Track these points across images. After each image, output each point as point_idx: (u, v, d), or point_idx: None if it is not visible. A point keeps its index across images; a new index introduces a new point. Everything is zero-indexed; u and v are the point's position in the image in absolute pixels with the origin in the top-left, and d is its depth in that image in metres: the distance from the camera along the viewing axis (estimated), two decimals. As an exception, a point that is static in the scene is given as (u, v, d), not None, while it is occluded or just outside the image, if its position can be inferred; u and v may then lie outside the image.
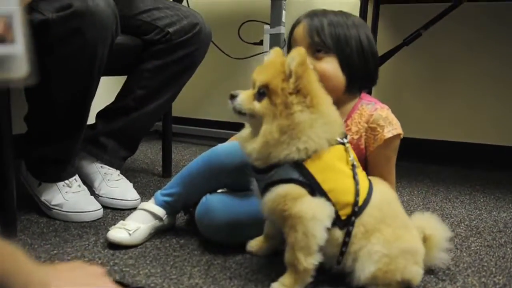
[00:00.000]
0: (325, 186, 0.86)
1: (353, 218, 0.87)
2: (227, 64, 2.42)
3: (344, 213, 0.88)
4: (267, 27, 2.06)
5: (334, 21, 1.01)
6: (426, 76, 2.23)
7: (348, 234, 0.88)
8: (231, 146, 1.10)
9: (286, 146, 0.85)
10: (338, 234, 0.88)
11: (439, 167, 2.09)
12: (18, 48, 0.40)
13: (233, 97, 0.90)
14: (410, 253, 0.90)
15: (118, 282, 0.89)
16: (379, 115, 1.04)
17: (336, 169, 0.89)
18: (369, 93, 2.10)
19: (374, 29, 2.10)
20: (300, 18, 1.06)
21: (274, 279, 0.92)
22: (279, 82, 0.86)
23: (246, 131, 0.94)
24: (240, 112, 0.90)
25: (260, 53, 2.12)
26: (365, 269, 0.88)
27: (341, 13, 1.05)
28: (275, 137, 0.85)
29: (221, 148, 1.12)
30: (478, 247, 1.18)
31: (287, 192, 0.86)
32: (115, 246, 1.07)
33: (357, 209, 0.87)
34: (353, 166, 0.90)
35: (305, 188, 0.86)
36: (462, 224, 1.35)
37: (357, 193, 0.88)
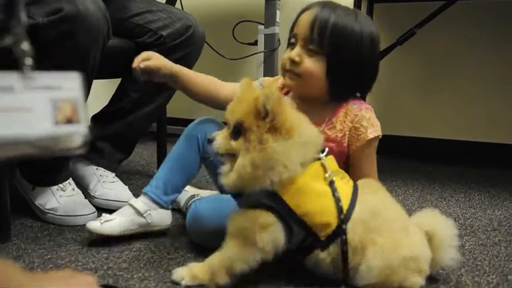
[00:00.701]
0: (299, 210, 0.86)
1: (343, 236, 0.86)
2: (222, 65, 2.41)
3: (324, 234, 0.88)
4: (261, 27, 2.06)
5: (340, 24, 0.99)
6: (421, 75, 2.24)
7: (343, 253, 0.87)
8: (202, 118, 1.18)
9: (261, 180, 0.85)
10: (322, 255, 0.89)
11: (435, 165, 2.10)
12: (81, 127, 0.49)
13: (210, 141, 0.92)
14: (412, 260, 0.87)
15: (110, 287, 0.89)
16: (363, 116, 1.05)
17: (311, 191, 0.88)
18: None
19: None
20: (313, 5, 1.04)
21: (267, 280, 0.92)
22: (253, 120, 0.86)
23: (226, 166, 0.93)
24: (219, 154, 0.92)
25: (255, 54, 2.12)
26: (364, 280, 0.87)
27: (352, 12, 1.03)
28: (248, 171, 0.85)
29: (193, 122, 1.18)
30: (472, 246, 1.18)
31: (257, 218, 0.87)
32: (108, 251, 1.07)
33: (345, 226, 0.86)
34: (331, 182, 0.89)
35: (276, 214, 0.87)
36: (457, 223, 1.36)
37: (340, 210, 0.87)
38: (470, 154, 2.18)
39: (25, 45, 0.51)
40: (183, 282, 0.91)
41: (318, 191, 0.88)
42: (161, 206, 1.15)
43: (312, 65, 1.01)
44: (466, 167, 2.07)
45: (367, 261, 0.86)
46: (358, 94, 1.10)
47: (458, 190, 1.71)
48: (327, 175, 0.90)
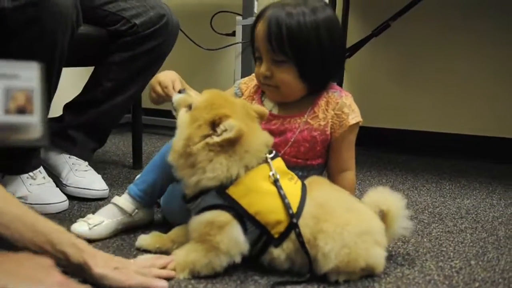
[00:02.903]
0: (251, 209, 0.88)
1: (297, 229, 0.87)
2: (199, 55, 2.41)
3: (276, 231, 0.89)
4: (239, 18, 2.05)
5: (294, 25, 0.99)
6: (397, 67, 2.26)
7: (302, 245, 0.88)
8: None
9: (193, 172, 0.90)
10: (277, 252, 0.90)
11: (410, 156, 2.13)
12: (35, 119, 0.48)
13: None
14: (366, 234, 0.90)
15: None
16: (344, 103, 1.08)
17: (260, 190, 0.90)
18: (339, 84, 2.12)
19: (345, 20, 2.12)
20: (261, 13, 1.05)
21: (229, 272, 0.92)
22: (202, 135, 0.89)
23: None
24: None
25: (233, 44, 2.12)
26: (325, 267, 0.88)
27: (302, 3, 1.02)
28: (180, 146, 0.91)
29: None
30: (439, 233, 1.21)
31: (214, 219, 0.88)
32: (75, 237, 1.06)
33: (296, 220, 0.88)
34: (276, 181, 0.90)
35: (230, 213, 0.88)
36: (426, 211, 1.39)
37: (288, 206, 0.88)
38: (444, 145, 2.22)
39: None
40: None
41: (265, 190, 0.90)
42: (146, 207, 1.14)
43: (283, 75, 1.03)
44: (440, 158, 2.11)
45: (321, 249, 0.87)
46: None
47: (430, 180, 1.75)
48: (271, 173, 0.91)
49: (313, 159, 1.10)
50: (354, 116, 1.08)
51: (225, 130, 0.87)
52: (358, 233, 0.89)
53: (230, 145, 0.88)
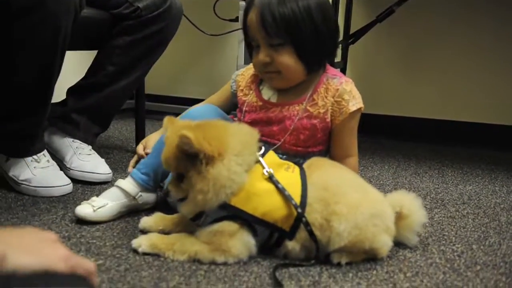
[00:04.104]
0: (257, 213, 0.88)
1: (303, 219, 0.88)
2: (203, 41, 2.40)
3: (287, 225, 0.89)
4: (242, 3, 2.04)
5: (287, 10, 0.99)
6: (400, 54, 2.25)
7: (311, 234, 0.88)
8: (204, 107, 1.14)
9: (215, 199, 0.87)
10: (292, 244, 0.90)
11: (413, 143, 2.13)
12: None
13: (167, 194, 0.95)
14: (376, 217, 0.90)
15: None
16: (344, 89, 1.07)
17: (261, 192, 0.89)
18: (343, 70, 2.11)
19: (349, 5, 2.10)
20: (250, 2, 1.04)
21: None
22: (186, 163, 0.87)
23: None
24: (178, 200, 0.94)
25: (236, 30, 2.11)
26: (336, 245, 0.89)
27: None
28: (200, 199, 0.87)
29: (193, 109, 1.14)
30: (441, 218, 1.21)
31: (223, 229, 0.89)
32: (82, 221, 1.07)
33: (301, 210, 0.88)
34: (270, 177, 0.90)
35: (238, 221, 0.88)
36: (428, 196, 1.39)
37: (289, 198, 0.88)
38: (446, 132, 2.22)
39: None
40: (140, 249, 0.93)
41: (266, 189, 0.90)
42: (150, 191, 1.14)
43: (283, 58, 1.03)
44: (442, 145, 2.11)
45: (335, 230, 0.88)
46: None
47: (433, 166, 1.75)
48: (264, 171, 0.91)
49: (314, 146, 1.10)
50: (354, 103, 1.07)
51: (188, 147, 0.85)
52: (370, 215, 0.89)
53: (210, 151, 0.85)
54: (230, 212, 0.88)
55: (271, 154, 0.97)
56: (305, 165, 0.98)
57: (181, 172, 0.90)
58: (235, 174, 0.87)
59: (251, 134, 0.95)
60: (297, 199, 0.89)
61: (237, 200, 0.88)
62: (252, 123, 1.10)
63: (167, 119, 0.96)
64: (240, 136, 0.92)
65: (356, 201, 0.90)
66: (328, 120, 1.07)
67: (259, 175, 0.91)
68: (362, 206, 0.89)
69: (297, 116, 1.06)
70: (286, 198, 0.88)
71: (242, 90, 1.16)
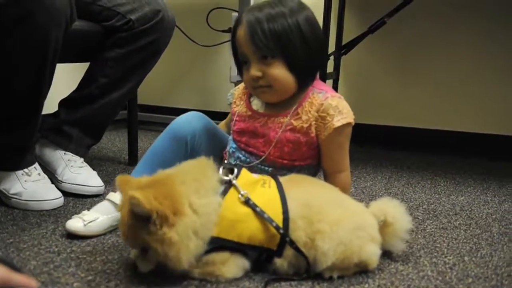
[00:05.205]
0: (243, 239, 0.88)
1: (287, 238, 0.88)
2: (195, 52, 2.41)
3: (273, 244, 0.89)
4: (235, 14, 2.06)
5: (276, 24, 0.99)
6: (393, 64, 2.26)
7: (297, 250, 0.88)
8: (190, 115, 1.15)
9: (196, 243, 0.84)
10: (279, 262, 0.90)
11: (405, 153, 2.14)
12: None
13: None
14: (361, 229, 0.90)
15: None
16: (329, 104, 1.04)
17: (241, 217, 0.88)
18: (336, 81, 2.12)
19: (341, 17, 2.12)
20: (240, 18, 1.05)
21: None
22: (143, 233, 0.83)
23: None
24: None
25: (229, 41, 2.12)
26: (324, 264, 0.89)
27: (278, 2, 1.02)
28: (181, 258, 0.83)
29: (180, 118, 1.15)
30: (433, 230, 1.22)
31: (214, 259, 0.88)
32: (73, 236, 1.07)
33: (283, 230, 0.88)
34: (247, 201, 0.89)
35: (226, 251, 0.88)
36: (420, 207, 1.39)
37: (270, 220, 0.88)
38: (439, 142, 2.23)
39: None
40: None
41: (245, 213, 0.89)
42: None
43: (275, 71, 1.02)
44: (435, 155, 2.12)
45: (320, 249, 0.88)
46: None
47: (425, 177, 1.75)
48: (240, 196, 0.90)
49: (301, 160, 1.08)
50: (340, 118, 1.03)
51: (142, 214, 0.81)
52: (352, 229, 0.89)
53: (163, 211, 0.80)
54: (216, 243, 0.87)
55: (245, 172, 0.96)
56: (282, 179, 0.97)
57: (143, 245, 0.85)
58: (205, 212, 0.85)
59: (199, 163, 0.93)
60: (278, 216, 0.89)
61: (220, 230, 0.87)
62: (240, 132, 1.10)
63: (119, 180, 0.89)
64: (189, 174, 0.89)
65: (337, 217, 0.89)
66: (313, 134, 1.06)
67: (235, 199, 0.90)
68: (344, 221, 0.89)
69: (281, 128, 1.06)
70: (267, 220, 0.88)
71: (235, 101, 1.17)
